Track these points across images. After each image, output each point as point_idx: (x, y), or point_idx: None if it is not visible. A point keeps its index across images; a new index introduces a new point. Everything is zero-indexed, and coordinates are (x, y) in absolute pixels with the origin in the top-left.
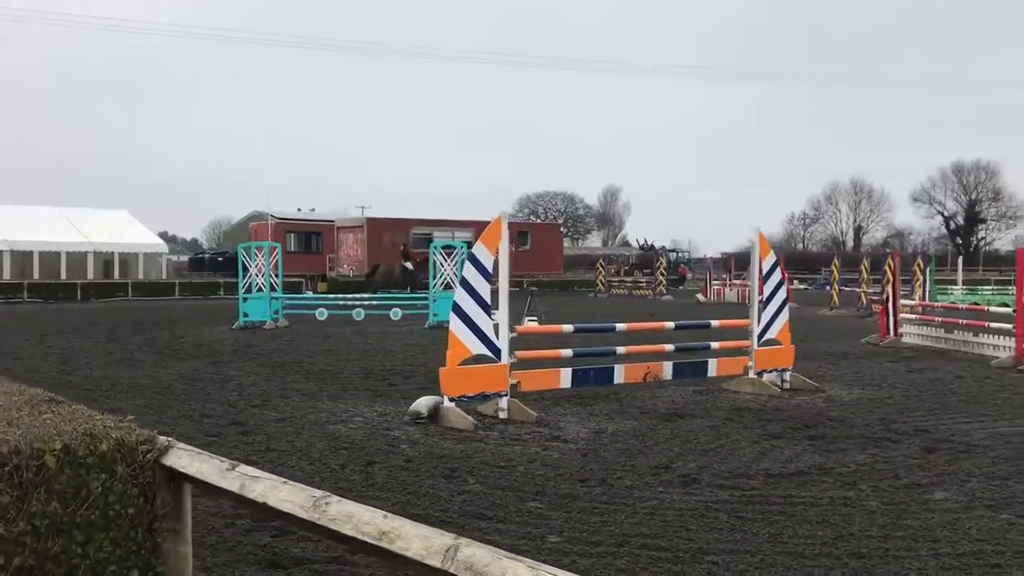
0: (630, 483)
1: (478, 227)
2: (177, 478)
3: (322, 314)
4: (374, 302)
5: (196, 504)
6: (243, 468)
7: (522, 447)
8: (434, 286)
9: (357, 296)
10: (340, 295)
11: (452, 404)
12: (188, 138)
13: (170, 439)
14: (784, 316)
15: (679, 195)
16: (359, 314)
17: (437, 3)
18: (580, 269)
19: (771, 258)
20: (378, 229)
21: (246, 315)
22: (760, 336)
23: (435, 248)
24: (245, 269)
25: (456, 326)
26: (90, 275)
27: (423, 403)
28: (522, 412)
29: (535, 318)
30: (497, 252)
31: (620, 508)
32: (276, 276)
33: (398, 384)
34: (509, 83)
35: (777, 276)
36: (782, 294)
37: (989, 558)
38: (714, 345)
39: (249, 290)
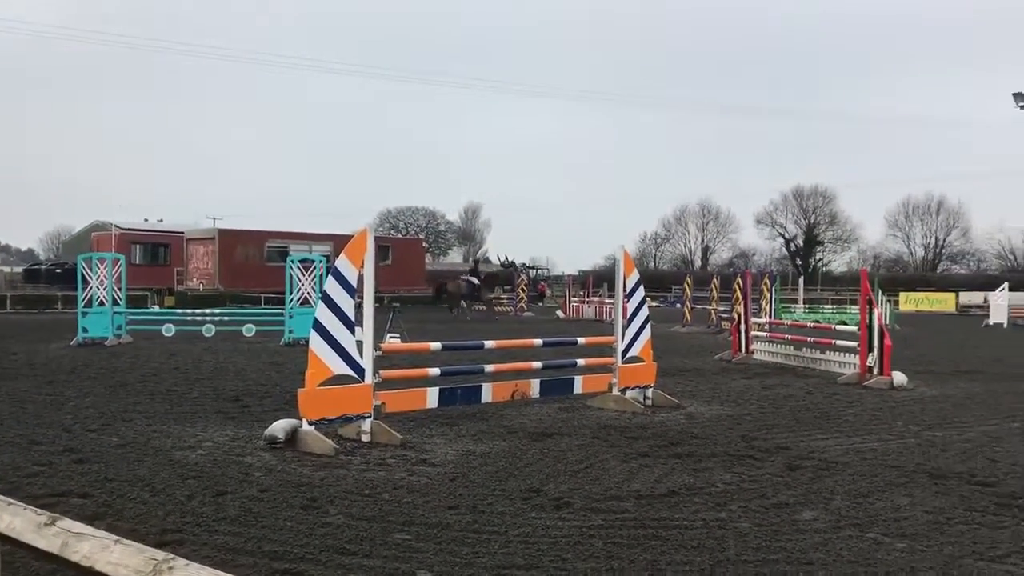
0: (502, 509)
1: (337, 241)
2: None
3: (169, 330)
4: (225, 317)
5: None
6: (65, 523)
7: (387, 472)
8: (290, 301)
9: (207, 311)
10: (189, 310)
11: (311, 427)
12: (24, 143)
13: None
14: (647, 333)
15: (538, 213)
16: (209, 330)
17: (303, 12)
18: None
19: (635, 276)
20: (230, 241)
21: (85, 330)
22: (624, 353)
23: (292, 262)
24: (85, 281)
25: (317, 344)
26: None
27: (279, 427)
28: (387, 435)
29: (397, 335)
30: (362, 266)
31: (492, 537)
32: (119, 289)
33: (252, 406)
34: (370, 97)
35: (640, 294)
36: (645, 311)
37: None
38: (580, 362)
39: (89, 304)
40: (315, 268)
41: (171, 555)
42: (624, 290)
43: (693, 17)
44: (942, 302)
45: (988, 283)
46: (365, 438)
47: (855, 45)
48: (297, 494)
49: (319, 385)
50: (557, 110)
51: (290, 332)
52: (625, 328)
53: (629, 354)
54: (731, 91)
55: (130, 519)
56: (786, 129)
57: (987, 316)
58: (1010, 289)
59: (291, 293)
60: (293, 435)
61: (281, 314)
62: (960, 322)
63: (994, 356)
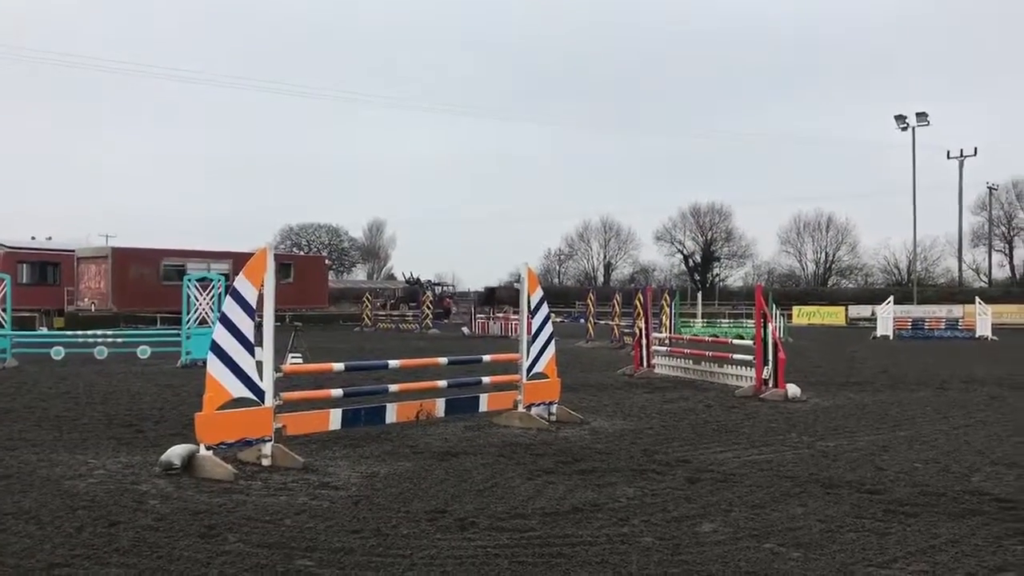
0: (406, 531)
1: (236, 259)
2: None
3: (58, 352)
4: (119, 339)
5: None
6: None
7: (289, 497)
8: (187, 322)
9: (99, 332)
10: (80, 332)
11: (209, 452)
12: None
13: None
14: (551, 350)
15: (443, 230)
16: (101, 352)
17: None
18: (345, 303)
19: (539, 293)
20: (125, 260)
21: None
22: (529, 370)
23: (189, 281)
24: None
25: (214, 367)
26: None
27: (176, 452)
28: (288, 458)
29: (299, 356)
30: (262, 285)
31: (397, 560)
32: (3, 311)
33: (147, 430)
34: (270, 112)
35: (545, 310)
36: (549, 328)
37: None
38: (486, 380)
39: None
40: (213, 287)
41: None
42: (528, 307)
43: (593, 34)
44: (833, 315)
45: (875, 297)
46: (266, 462)
47: (749, 66)
48: (194, 522)
49: (218, 408)
50: (462, 126)
51: (187, 353)
52: (530, 345)
53: (534, 371)
54: (631, 109)
55: (14, 555)
56: (684, 147)
57: (875, 328)
58: (895, 302)
59: (188, 313)
60: (190, 460)
61: (178, 335)
62: (850, 334)
63: (881, 367)
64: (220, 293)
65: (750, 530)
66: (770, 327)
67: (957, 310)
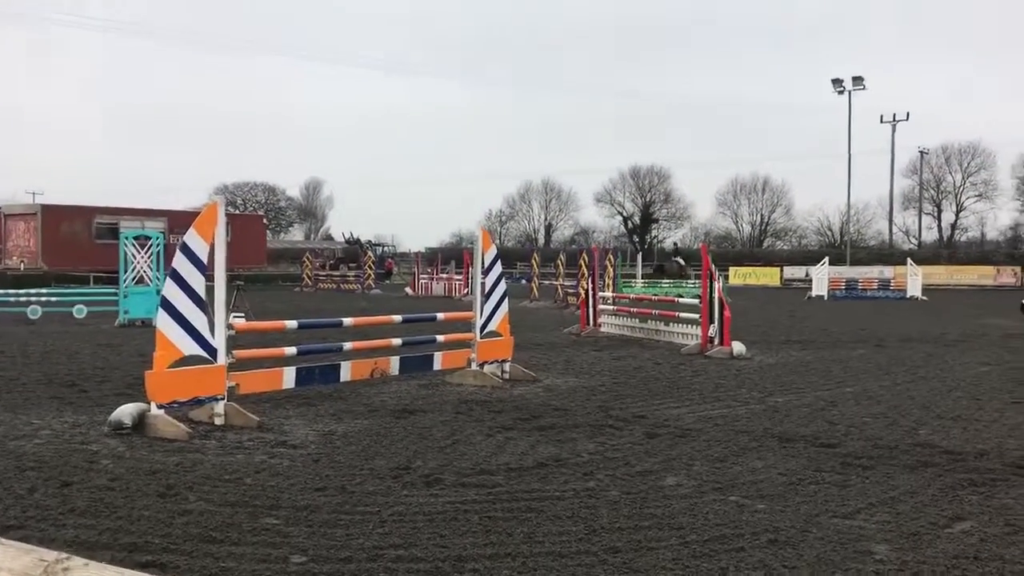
0: (372, 488)
1: (172, 217)
2: None
3: None
4: (53, 298)
5: None
6: None
7: (246, 456)
8: (125, 280)
9: (32, 291)
10: (10, 291)
11: (161, 411)
12: None
13: None
14: (504, 308)
15: (382, 190)
16: (35, 312)
17: None
18: (283, 263)
19: (492, 252)
20: (54, 218)
21: None
22: (483, 328)
23: (126, 239)
24: None
25: (165, 324)
26: None
27: (126, 411)
28: (242, 417)
29: (242, 315)
30: (213, 241)
31: (366, 517)
32: None
33: (90, 390)
34: (202, 66)
35: (498, 269)
36: (502, 287)
37: (731, 542)
38: (439, 338)
39: None
40: (152, 245)
41: (64, 554)
42: (482, 265)
43: None
44: (768, 276)
45: (809, 258)
46: (219, 421)
47: (689, 29)
48: (152, 482)
49: (169, 367)
50: (400, 85)
51: (125, 313)
52: (483, 303)
53: (487, 329)
54: (572, 71)
55: None
56: (624, 109)
57: (810, 289)
58: (829, 263)
59: (126, 272)
60: (141, 420)
61: (115, 294)
62: (785, 294)
63: (820, 326)
64: (159, 251)
65: (713, 483)
66: (716, 286)
67: (888, 271)
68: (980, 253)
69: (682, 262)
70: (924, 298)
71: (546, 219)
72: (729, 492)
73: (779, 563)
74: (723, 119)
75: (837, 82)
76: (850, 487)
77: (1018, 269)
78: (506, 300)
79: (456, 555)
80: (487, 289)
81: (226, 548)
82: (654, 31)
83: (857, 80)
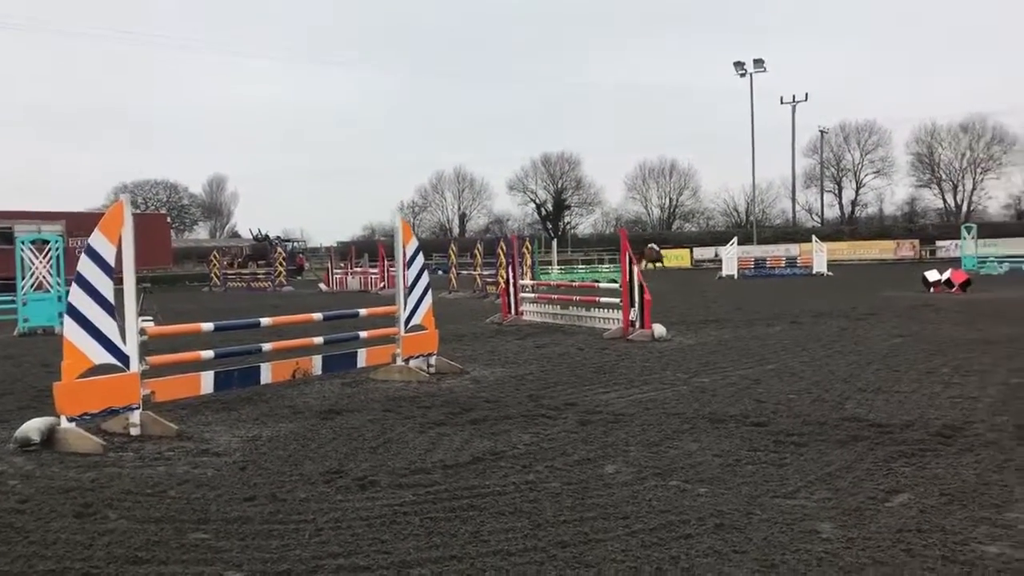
0: (304, 495)
1: (71, 219)
2: None
3: None
4: None
5: None
6: None
7: (168, 467)
8: (23, 287)
9: None
10: None
11: (72, 424)
12: None
13: None
14: (428, 301)
15: (288, 185)
16: None
17: None
18: (189, 263)
19: (414, 243)
20: None
21: None
22: (407, 322)
23: (23, 243)
24: None
25: (73, 332)
26: None
27: (33, 426)
28: (159, 426)
29: (150, 318)
30: (120, 242)
31: (301, 526)
32: None
33: None
34: (94, 61)
35: (420, 261)
36: (425, 279)
37: (678, 529)
38: (363, 335)
39: None
40: (51, 249)
41: None
42: (404, 258)
43: None
44: (679, 258)
45: (717, 239)
46: (135, 431)
47: (593, 15)
48: (66, 501)
49: (78, 377)
50: (306, 77)
51: (25, 321)
52: (407, 297)
53: (412, 323)
54: (482, 60)
55: None
56: (534, 97)
57: (720, 269)
58: (737, 243)
59: (24, 278)
60: (50, 435)
61: (12, 301)
62: (697, 275)
63: (734, 305)
64: (59, 255)
65: (653, 469)
66: (635, 270)
67: (794, 249)
68: (880, 228)
69: (656, 247)
70: (830, 274)
71: (459, 208)
72: (669, 477)
73: (729, 548)
74: (629, 104)
75: (739, 65)
76: (787, 466)
77: (916, 243)
78: (430, 293)
79: (400, 560)
80: (410, 282)
81: (154, 568)
82: (560, 19)
83: (758, 63)
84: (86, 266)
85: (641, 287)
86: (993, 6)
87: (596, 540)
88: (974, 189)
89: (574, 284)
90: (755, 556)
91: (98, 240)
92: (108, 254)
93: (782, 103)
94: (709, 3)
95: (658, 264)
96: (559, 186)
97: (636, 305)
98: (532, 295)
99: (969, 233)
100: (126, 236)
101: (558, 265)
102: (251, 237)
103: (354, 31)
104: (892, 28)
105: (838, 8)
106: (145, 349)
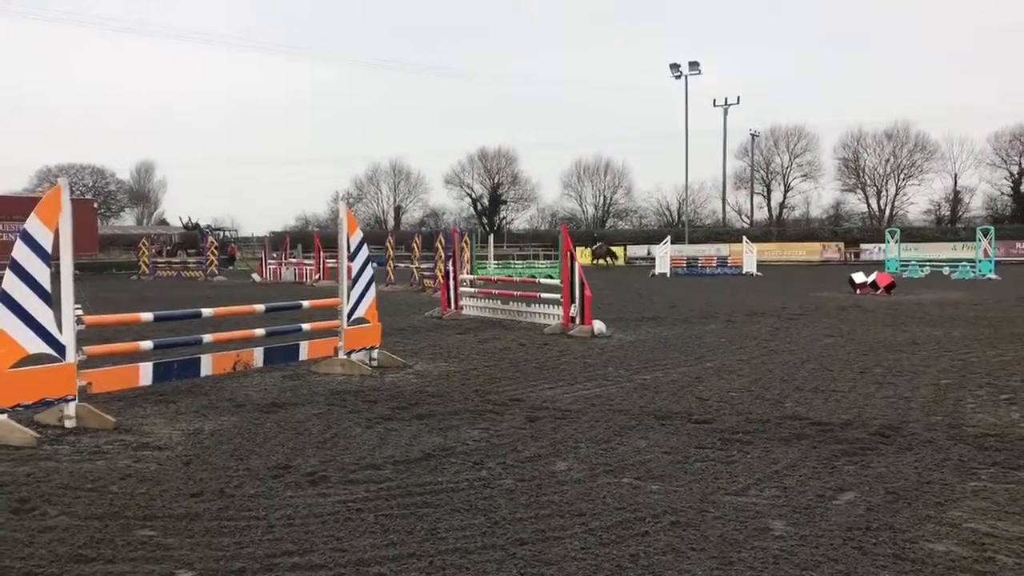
0: (253, 491)
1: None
2: None
3: None
4: None
5: None
6: None
7: (107, 461)
8: None
9: None
10: None
11: (4, 416)
12: None
13: None
14: (372, 294)
15: (218, 173)
16: None
17: None
18: (116, 250)
19: (358, 235)
20: None
21: None
22: (350, 315)
23: None
24: None
25: (6, 320)
26: None
27: None
28: (96, 418)
29: (79, 307)
30: (57, 228)
31: (252, 523)
32: None
33: None
34: (14, 43)
35: (365, 253)
36: (369, 271)
37: (634, 526)
38: (305, 327)
39: None
40: None
41: None
42: (348, 249)
43: None
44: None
45: (650, 238)
46: (70, 423)
47: (528, 11)
48: (1, 496)
49: (11, 367)
50: (241, 63)
51: None
52: (350, 289)
53: (355, 316)
54: (422, 52)
55: None
56: (471, 92)
57: (653, 267)
58: (670, 242)
59: None
60: None
61: None
62: (630, 273)
63: (668, 303)
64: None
65: (604, 466)
66: (576, 266)
67: (725, 249)
68: (807, 230)
69: (606, 245)
70: (759, 274)
71: (395, 200)
72: (621, 474)
73: (685, 545)
74: (566, 102)
75: (675, 67)
76: (735, 463)
77: (841, 245)
78: (374, 285)
79: (357, 559)
80: (353, 274)
81: (100, 567)
82: (497, 15)
83: (693, 65)
84: (21, 252)
85: (582, 283)
86: (933, 17)
87: (554, 538)
88: (897, 194)
89: (515, 279)
90: (712, 554)
91: (35, 225)
92: (45, 240)
93: (715, 105)
94: (648, 4)
95: (610, 260)
96: (495, 181)
97: (576, 301)
98: (471, 289)
99: (892, 237)
100: (64, 222)
101: (494, 260)
102: (181, 225)
103: (291, 19)
104: (823, 34)
105: (772, 13)
106: (81, 339)
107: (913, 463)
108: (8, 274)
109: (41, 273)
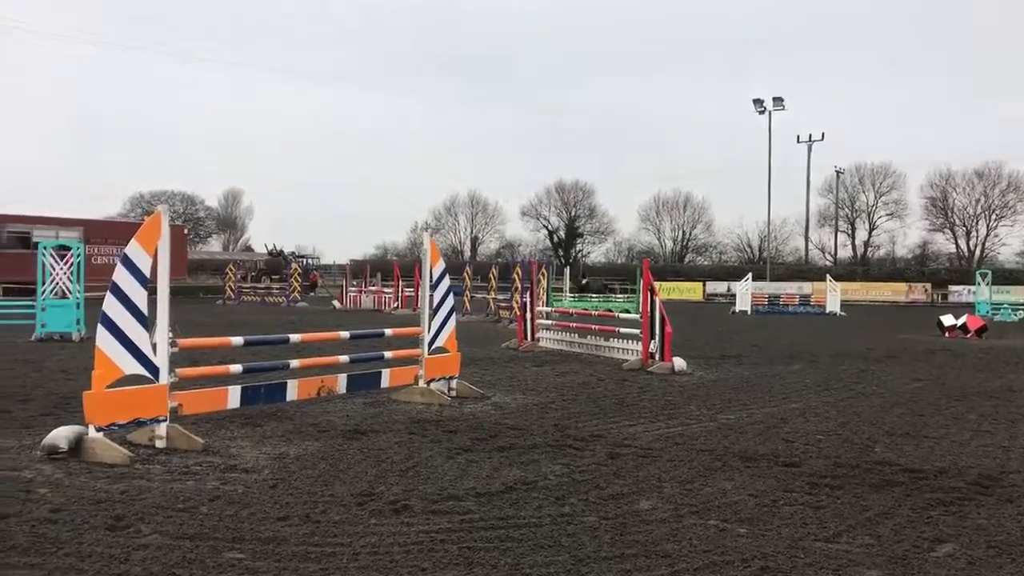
0: (338, 517)
1: (88, 226)
2: None
3: None
4: None
5: None
6: None
7: (196, 482)
8: (43, 293)
9: None
10: None
11: (100, 435)
12: None
13: None
14: (452, 323)
15: (304, 202)
16: None
17: None
18: (203, 275)
19: (440, 265)
20: None
21: None
22: (431, 344)
23: (44, 249)
24: None
25: (105, 341)
26: None
27: (61, 434)
28: (185, 439)
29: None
30: (156, 253)
31: (338, 550)
32: None
33: (13, 411)
34: (114, 71)
35: (447, 283)
36: (450, 301)
37: (722, 570)
38: (387, 355)
39: None
40: (73, 256)
41: None
42: (431, 279)
43: (455, 11)
44: (691, 291)
45: (729, 274)
46: (160, 444)
47: (613, 46)
48: (98, 512)
49: (108, 386)
50: (326, 96)
51: (43, 326)
52: (431, 318)
53: (435, 345)
54: (500, 87)
55: None
56: (549, 125)
57: (734, 304)
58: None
59: (43, 283)
60: (78, 443)
61: (31, 306)
62: (710, 309)
63: (750, 341)
64: (79, 262)
65: (690, 507)
66: (657, 300)
67: (807, 287)
68: (892, 270)
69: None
70: (843, 313)
71: (472, 231)
72: (707, 516)
73: None
74: (647, 135)
75: (758, 102)
76: (824, 508)
77: (928, 286)
78: (454, 315)
79: None
80: (435, 303)
81: None
82: (584, 47)
83: (777, 100)
84: (121, 276)
85: (663, 319)
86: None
87: None
88: (987, 235)
89: (594, 313)
90: None
91: (134, 250)
92: (144, 264)
93: (799, 142)
94: (732, 39)
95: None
96: (572, 214)
97: (656, 337)
98: (548, 322)
99: (984, 279)
100: (162, 248)
101: (570, 293)
102: (266, 252)
103: (377, 54)
104: (912, 72)
105: (859, 50)
106: (174, 361)
107: (1016, 516)
108: (109, 297)
109: (139, 296)
